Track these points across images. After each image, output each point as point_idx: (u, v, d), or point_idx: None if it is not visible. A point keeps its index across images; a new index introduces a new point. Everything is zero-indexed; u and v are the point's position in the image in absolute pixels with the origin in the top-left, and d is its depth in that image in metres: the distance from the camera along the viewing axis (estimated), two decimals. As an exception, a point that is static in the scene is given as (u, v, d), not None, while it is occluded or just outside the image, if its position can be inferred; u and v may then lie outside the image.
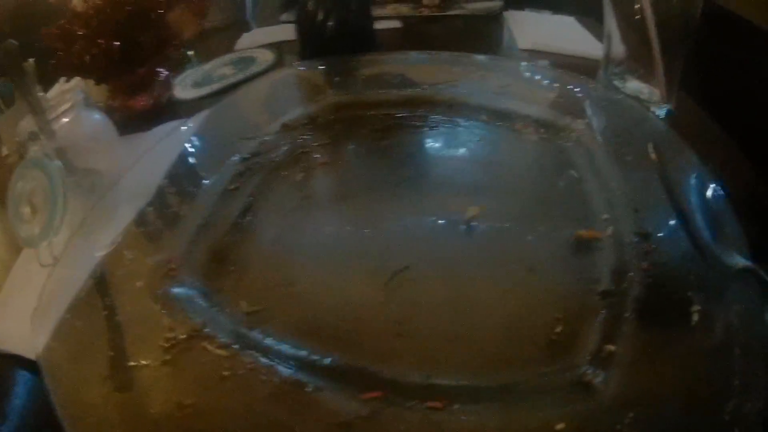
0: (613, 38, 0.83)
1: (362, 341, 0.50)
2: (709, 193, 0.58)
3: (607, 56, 0.85)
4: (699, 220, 0.53)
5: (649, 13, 0.73)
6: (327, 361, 0.48)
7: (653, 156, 0.57)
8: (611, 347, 0.47)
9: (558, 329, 0.49)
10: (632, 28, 0.79)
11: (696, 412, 0.41)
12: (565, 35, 1.09)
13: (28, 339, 0.53)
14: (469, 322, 0.52)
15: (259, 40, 1.19)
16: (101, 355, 0.51)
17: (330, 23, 0.97)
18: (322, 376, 0.46)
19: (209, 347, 0.50)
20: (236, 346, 0.49)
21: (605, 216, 0.61)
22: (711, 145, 0.73)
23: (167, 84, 1.03)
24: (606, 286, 0.53)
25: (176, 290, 0.56)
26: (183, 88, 1.03)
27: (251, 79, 0.99)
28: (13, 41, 0.79)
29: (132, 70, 0.96)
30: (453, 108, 0.82)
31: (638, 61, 0.81)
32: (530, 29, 1.13)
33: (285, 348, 0.49)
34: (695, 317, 0.47)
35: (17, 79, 0.72)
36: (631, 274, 0.53)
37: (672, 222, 0.56)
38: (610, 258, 0.56)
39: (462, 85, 0.85)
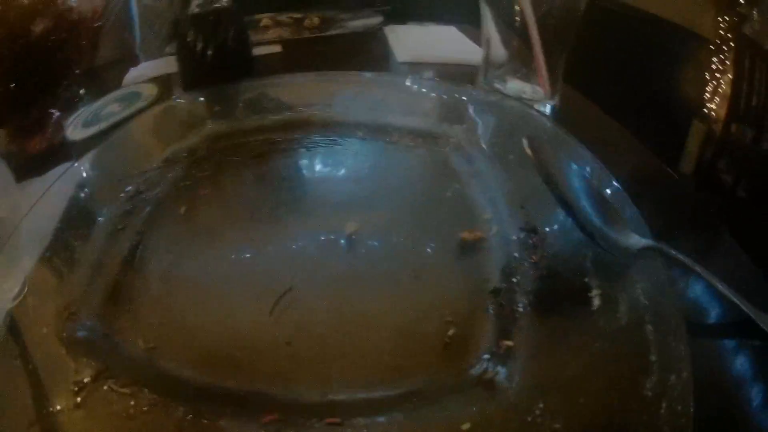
0: (492, 41, 0.86)
1: (256, 365, 0.51)
2: (599, 180, 0.61)
3: (487, 60, 0.87)
4: (587, 207, 0.55)
5: (529, 13, 0.76)
6: (223, 388, 0.49)
7: (528, 150, 0.58)
8: (508, 342, 0.49)
9: (451, 332, 0.51)
10: (512, 29, 0.82)
11: (615, 392, 0.43)
12: (445, 45, 1.12)
13: None
14: (360, 335, 0.53)
15: (146, 74, 1.17)
16: (21, 403, 0.50)
17: (208, 52, 0.96)
18: (221, 404, 0.47)
19: (114, 387, 0.49)
20: (138, 385, 0.49)
21: (489, 216, 0.64)
22: (601, 134, 0.78)
23: (59, 125, 1.00)
24: (496, 284, 0.55)
25: (78, 333, 0.55)
26: (74, 129, 1.00)
27: (137, 115, 0.98)
28: None
29: (25, 111, 0.94)
30: (329, 127, 0.83)
31: (519, 62, 0.83)
32: (409, 42, 1.15)
33: (182, 381, 0.50)
34: (596, 301, 0.50)
35: None
36: (521, 268, 0.56)
37: (559, 213, 0.58)
38: (498, 256, 0.59)
39: (337, 103, 0.87)
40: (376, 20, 1.28)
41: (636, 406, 0.40)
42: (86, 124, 1.00)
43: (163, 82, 1.09)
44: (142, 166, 0.79)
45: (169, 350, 0.53)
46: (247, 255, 0.64)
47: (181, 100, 0.94)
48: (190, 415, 0.46)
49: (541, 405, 0.43)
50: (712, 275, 0.49)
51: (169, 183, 0.76)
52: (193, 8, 0.98)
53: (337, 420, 0.45)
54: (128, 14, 1.31)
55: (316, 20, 1.30)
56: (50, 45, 0.94)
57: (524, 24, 0.78)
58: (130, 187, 0.75)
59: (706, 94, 0.86)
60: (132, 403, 0.48)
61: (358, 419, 0.45)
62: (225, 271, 0.62)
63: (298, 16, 1.32)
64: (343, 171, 0.79)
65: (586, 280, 0.52)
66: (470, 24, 1.18)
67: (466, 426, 0.43)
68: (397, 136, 0.80)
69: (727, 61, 0.84)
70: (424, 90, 0.87)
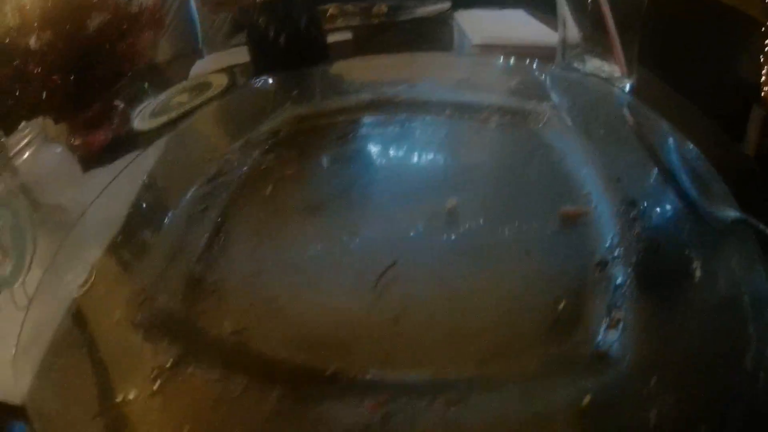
0: (567, 22, 0.83)
1: (358, 346, 0.48)
2: (687, 154, 0.58)
3: (563, 40, 0.85)
4: (684, 179, 0.54)
5: None
6: (324, 370, 0.45)
7: (630, 120, 0.58)
8: (618, 315, 0.46)
9: (561, 306, 0.48)
10: (586, 10, 0.79)
11: (718, 365, 0.41)
12: (517, 27, 1.10)
13: (9, 385, 0.50)
14: (469, 312, 0.50)
15: (212, 66, 1.18)
16: (88, 393, 0.48)
17: (281, 38, 0.96)
18: (322, 388, 0.44)
19: (197, 372, 0.47)
20: (226, 368, 0.47)
21: (587, 191, 0.61)
22: (676, 114, 0.73)
23: (125, 117, 1.00)
24: (601, 257, 0.52)
25: (155, 318, 0.54)
26: (141, 120, 1.00)
27: (208, 103, 0.97)
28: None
29: (88, 105, 0.95)
30: (414, 107, 0.81)
31: (595, 42, 0.81)
32: (482, 25, 1.12)
33: (277, 363, 0.47)
34: (697, 274, 0.48)
35: None
36: (624, 241, 0.53)
37: (657, 185, 0.57)
38: (599, 230, 0.56)
39: (421, 83, 0.84)
40: (444, 5, 1.27)
41: (737, 379, 0.39)
42: (154, 115, 1.00)
43: (232, 73, 1.09)
44: (221, 149, 0.78)
45: (260, 333, 0.50)
46: (343, 233, 0.60)
47: (257, 84, 0.92)
48: (288, 400, 0.43)
49: (655, 378, 0.41)
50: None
51: (252, 165, 0.74)
52: (264, -4, 0.98)
53: (454, 399, 0.42)
54: (188, 9, 1.33)
55: (384, 8, 1.29)
56: (110, 38, 0.95)
57: (597, 4, 0.76)
58: (208, 171, 0.73)
59: (762, 77, 0.81)
60: (218, 389, 0.45)
61: (471, 398, 0.42)
62: (318, 252, 0.58)
63: (365, 5, 1.32)
64: (434, 150, 0.75)
65: (687, 252, 0.50)
66: (537, 8, 1.16)
67: (586, 400, 0.41)
68: (487, 114, 0.77)
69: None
70: (507, 69, 0.85)
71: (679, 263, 0.49)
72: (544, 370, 0.44)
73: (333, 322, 0.50)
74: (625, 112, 0.58)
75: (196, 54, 1.29)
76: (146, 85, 1.10)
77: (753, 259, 0.45)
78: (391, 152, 0.75)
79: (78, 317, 0.55)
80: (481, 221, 0.59)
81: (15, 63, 0.87)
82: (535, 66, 0.83)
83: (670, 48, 0.94)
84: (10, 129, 0.89)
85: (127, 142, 0.94)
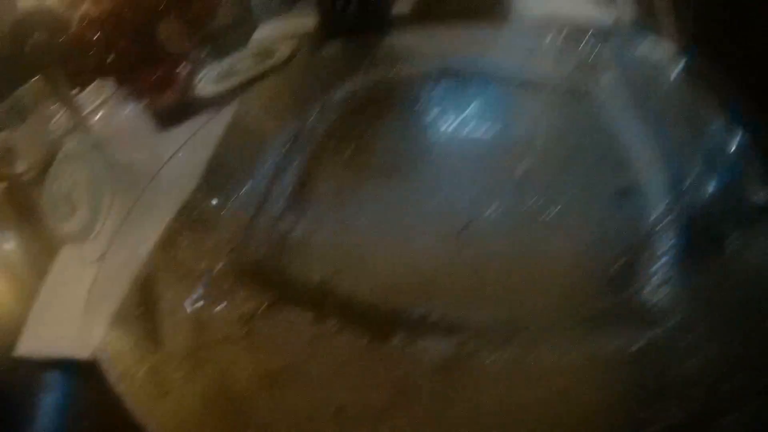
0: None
1: (443, 291, 0.52)
2: (732, 135, 0.62)
3: (618, 18, 0.89)
4: (727, 159, 0.59)
5: None
6: (415, 313, 0.49)
7: (680, 100, 0.63)
8: (665, 276, 0.51)
9: (617, 265, 0.53)
10: None
11: (748, 326, 0.45)
12: (572, 1, 1.11)
13: (77, 340, 0.54)
14: (537, 266, 0.55)
15: (272, 33, 1.18)
16: (171, 339, 0.51)
17: (351, 6, 0.98)
18: (411, 328, 0.48)
19: (291, 314, 0.51)
20: (317, 312, 0.51)
21: (640, 164, 0.64)
22: (728, 93, 0.76)
23: (190, 80, 1.03)
24: (651, 226, 0.56)
25: (245, 266, 0.57)
26: (206, 83, 1.02)
27: (275, 70, 0.99)
28: (42, 35, 0.82)
29: (151, 67, 0.96)
30: (484, 78, 0.84)
31: (650, 20, 0.84)
32: None
33: (368, 308, 0.50)
34: (734, 245, 0.52)
35: (48, 75, 0.72)
36: (672, 211, 0.57)
37: (704, 163, 0.60)
38: (652, 200, 0.59)
39: (489, 56, 0.88)
40: None
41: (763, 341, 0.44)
42: (219, 79, 1.01)
43: (296, 40, 1.09)
44: (299, 110, 0.81)
45: (346, 281, 0.54)
46: (421, 191, 0.65)
47: (328, 51, 0.96)
48: (379, 338, 0.48)
49: (697, 330, 0.46)
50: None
51: (331, 127, 0.78)
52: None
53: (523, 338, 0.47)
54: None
55: None
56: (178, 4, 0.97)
57: None
58: (286, 131, 0.76)
59: None
60: (313, 329, 0.49)
61: (541, 339, 0.47)
62: (402, 206, 0.63)
63: None
64: (505, 119, 0.79)
65: (727, 225, 0.54)
66: None
67: (636, 347, 0.45)
68: (548, 91, 0.81)
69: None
70: (569, 44, 0.87)
71: (720, 234, 0.53)
72: (601, 319, 0.49)
73: (418, 268, 0.54)
74: (677, 91, 0.63)
75: (256, 20, 1.28)
76: (208, 47, 1.10)
77: None
78: (461, 120, 0.79)
79: (159, 267, 0.58)
80: (547, 188, 0.63)
81: (74, 30, 0.89)
82: (593, 43, 0.86)
83: (726, 26, 0.96)
84: (83, 87, 0.91)
85: (194, 105, 0.95)
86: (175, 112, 0.89)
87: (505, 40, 0.93)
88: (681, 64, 0.79)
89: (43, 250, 0.69)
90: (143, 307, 0.54)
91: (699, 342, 0.45)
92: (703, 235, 0.55)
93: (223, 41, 1.12)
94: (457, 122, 0.78)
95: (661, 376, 0.44)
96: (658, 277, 0.51)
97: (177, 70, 1.01)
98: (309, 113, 0.80)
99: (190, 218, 0.64)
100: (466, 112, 0.79)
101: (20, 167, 0.91)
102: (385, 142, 0.76)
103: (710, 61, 0.82)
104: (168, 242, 0.60)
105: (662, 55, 0.81)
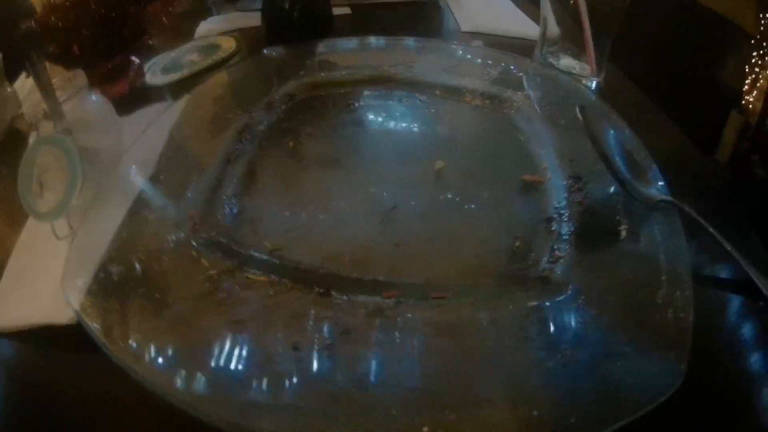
0: (548, 20, 1.00)
1: (372, 261, 0.65)
2: (630, 144, 0.75)
3: (543, 36, 1.01)
4: (620, 164, 0.69)
5: None
6: (348, 276, 0.62)
7: (579, 117, 0.72)
8: (560, 254, 0.64)
9: (517, 244, 0.67)
10: (566, 10, 0.95)
11: (635, 299, 0.56)
12: (502, 17, 1.26)
13: (53, 309, 0.59)
14: (450, 243, 0.68)
15: (217, 27, 1.28)
16: (144, 300, 0.58)
17: (295, 12, 1.09)
18: (350, 289, 0.60)
19: (252, 277, 0.61)
20: (273, 274, 0.61)
21: (545, 165, 0.79)
22: (636, 108, 0.91)
23: (140, 70, 1.10)
24: (550, 215, 0.70)
25: (206, 239, 0.66)
26: (153, 75, 1.11)
27: (219, 65, 1.09)
28: (33, 24, 0.87)
29: (109, 57, 1.04)
30: (412, 85, 0.98)
31: (571, 40, 0.96)
32: (471, 13, 1.29)
33: (312, 270, 0.63)
34: (623, 233, 0.64)
35: (33, 62, 0.74)
36: (569, 205, 0.71)
37: (598, 166, 0.70)
38: (551, 195, 0.74)
39: (416, 65, 1.01)
40: None
41: (650, 311, 0.54)
42: (166, 71, 1.10)
43: (239, 37, 1.21)
44: (245, 107, 0.92)
45: (293, 251, 0.65)
46: (355, 179, 0.79)
47: (273, 53, 1.04)
48: (327, 293, 0.59)
49: (582, 297, 0.57)
50: (719, 234, 0.60)
51: (274, 122, 0.91)
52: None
53: (442, 295, 0.59)
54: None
55: None
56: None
57: (576, 6, 0.91)
58: (234, 125, 0.87)
59: (745, 86, 0.96)
60: (270, 289, 0.59)
61: (452, 298, 0.59)
62: (338, 193, 0.76)
63: None
64: (427, 122, 0.93)
65: (617, 217, 0.66)
66: None
67: (532, 303, 0.57)
68: (470, 97, 0.96)
69: (766, 58, 0.94)
70: (491, 60, 1.01)
71: (609, 224, 0.65)
72: (503, 284, 0.61)
73: (352, 242, 0.67)
74: (577, 110, 0.72)
75: (202, 13, 1.38)
76: (152, 41, 1.19)
77: (673, 228, 0.61)
78: (391, 121, 0.93)
79: (128, 240, 0.63)
80: (461, 179, 0.77)
81: (38, 17, 0.97)
82: (515, 59, 1.00)
83: (647, 50, 1.08)
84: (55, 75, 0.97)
85: (142, 95, 1.04)
86: (122, 103, 0.93)
87: (434, 52, 1.05)
88: (594, 84, 0.94)
89: (7, 223, 0.76)
90: (116, 277, 0.59)
91: (586, 306, 0.55)
92: (595, 225, 0.67)
93: (168, 34, 1.21)
94: (386, 121, 0.92)
95: (552, 330, 0.54)
96: (557, 254, 0.64)
97: (130, 61, 1.09)
98: (255, 108, 0.92)
99: (153, 197, 0.72)
100: (394, 112, 0.93)
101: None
102: (324, 137, 0.88)
103: (625, 82, 0.98)
104: (136, 217, 0.67)
105: (579, 74, 0.96)
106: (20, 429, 0.54)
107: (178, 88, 1.02)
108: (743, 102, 0.95)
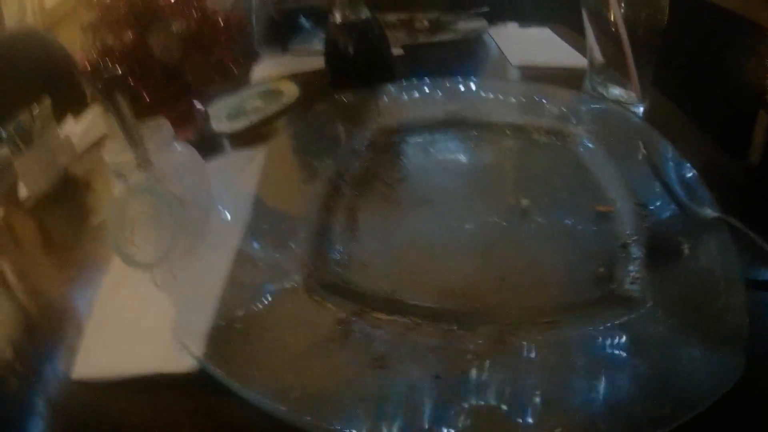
0: (593, 50, 1.06)
1: (481, 293, 0.70)
2: (682, 169, 0.81)
3: (590, 66, 1.07)
4: (677, 188, 0.77)
5: (621, 24, 0.94)
6: (462, 312, 0.68)
7: (643, 151, 0.82)
8: (636, 275, 0.69)
9: (601, 269, 0.72)
10: (608, 38, 0.99)
11: (698, 308, 0.62)
12: (548, 48, 1.34)
13: (167, 355, 0.62)
14: (545, 272, 0.74)
15: (272, 71, 1.34)
16: (271, 344, 0.62)
17: (360, 56, 1.14)
18: (470, 321, 0.65)
19: (378, 316, 0.66)
20: (399, 314, 0.66)
21: (612, 195, 0.84)
22: (681, 130, 0.97)
23: (206, 117, 1.15)
24: (624, 240, 0.75)
25: (322, 284, 0.71)
26: (218, 121, 1.16)
27: (285, 111, 1.15)
28: (117, 70, 0.90)
29: (174, 104, 1.06)
30: (481, 126, 1.06)
31: (615, 68, 1.01)
32: (516, 46, 1.36)
33: (436, 308, 0.68)
34: (686, 251, 0.70)
35: (120, 110, 0.72)
36: (639, 230, 0.76)
37: (659, 192, 0.78)
38: (622, 222, 0.79)
39: (481, 105, 1.09)
40: (481, 24, 1.48)
41: (710, 315, 0.61)
42: (231, 117, 1.15)
43: (299, 82, 1.26)
44: (330, 152, 0.98)
45: (406, 290, 0.71)
46: (449, 219, 0.84)
47: (343, 98, 1.10)
48: (453, 330, 0.64)
49: (659, 310, 0.63)
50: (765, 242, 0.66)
51: (363, 167, 0.98)
52: (337, 18, 1.14)
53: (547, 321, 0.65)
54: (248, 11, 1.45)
55: (425, 23, 1.48)
56: (204, 43, 1.06)
57: (617, 34, 0.96)
58: (324, 171, 0.93)
59: None
60: (399, 326, 0.65)
61: (552, 322, 0.65)
62: (436, 231, 0.82)
63: (405, 17, 1.50)
64: (501, 161, 1.01)
65: (679, 237, 0.72)
66: (560, 23, 1.42)
67: (620, 320, 0.63)
68: (536, 135, 1.02)
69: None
70: (548, 95, 1.08)
71: (675, 245, 0.71)
72: (592, 306, 0.67)
73: (459, 280, 0.72)
74: (641, 145, 0.83)
75: (252, 56, 1.42)
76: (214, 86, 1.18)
77: (726, 243, 0.67)
78: (469, 161, 1.01)
79: (241, 288, 0.68)
80: (542, 213, 0.83)
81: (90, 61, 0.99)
82: (573, 95, 1.06)
83: (681, 69, 1.13)
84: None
85: (210, 141, 1.08)
86: (197, 149, 0.91)
87: (496, 91, 1.13)
88: (641, 110, 1.00)
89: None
90: (237, 323, 0.64)
91: (663, 317, 0.61)
92: (664, 245, 0.71)
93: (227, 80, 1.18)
94: (465, 162, 0.99)
95: (638, 340, 0.60)
96: (632, 276, 0.68)
97: (194, 107, 1.12)
98: (341, 155, 0.98)
99: (257, 250, 0.75)
100: (470, 153, 1.00)
101: (22, 193, 1.06)
102: (411, 180, 0.95)
103: (667, 104, 1.03)
104: (242, 269, 0.71)
105: (626, 101, 1.02)
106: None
107: (246, 133, 1.08)
108: (768, 97, 1.01)
